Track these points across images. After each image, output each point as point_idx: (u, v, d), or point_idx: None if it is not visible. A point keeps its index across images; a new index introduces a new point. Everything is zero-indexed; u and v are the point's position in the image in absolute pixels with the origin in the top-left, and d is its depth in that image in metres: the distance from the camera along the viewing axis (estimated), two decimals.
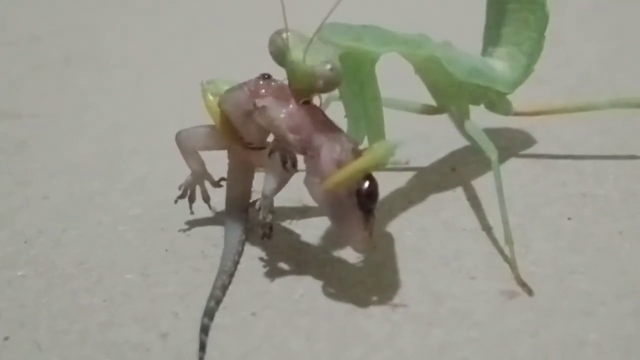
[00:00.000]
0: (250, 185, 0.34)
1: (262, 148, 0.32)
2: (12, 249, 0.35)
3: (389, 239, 0.33)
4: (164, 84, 0.50)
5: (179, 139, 0.34)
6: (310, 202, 0.31)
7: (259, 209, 0.31)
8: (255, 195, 0.34)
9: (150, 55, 0.55)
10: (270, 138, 0.31)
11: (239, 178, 0.34)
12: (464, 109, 0.36)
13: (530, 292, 0.30)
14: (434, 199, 0.36)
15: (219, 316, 0.30)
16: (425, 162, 0.39)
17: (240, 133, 0.32)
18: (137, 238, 0.35)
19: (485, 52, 0.38)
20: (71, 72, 0.53)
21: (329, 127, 0.30)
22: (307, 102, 0.30)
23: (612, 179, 0.36)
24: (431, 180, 0.37)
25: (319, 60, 0.29)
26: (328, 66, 0.29)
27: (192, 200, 0.35)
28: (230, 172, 0.34)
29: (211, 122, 0.33)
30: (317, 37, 0.29)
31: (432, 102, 0.37)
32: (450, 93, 0.36)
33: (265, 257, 0.33)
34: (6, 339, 0.30)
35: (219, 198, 0.35)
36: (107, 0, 0.66)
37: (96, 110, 0.48)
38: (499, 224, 0.32)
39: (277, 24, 0.30)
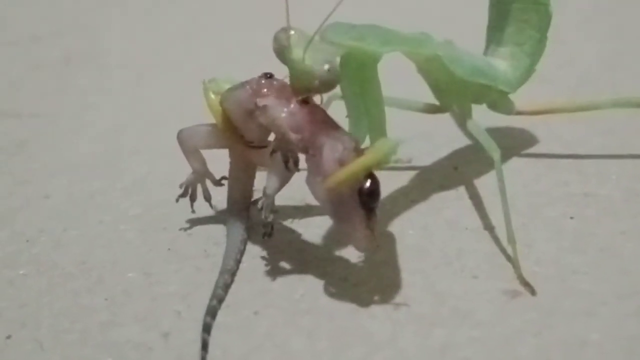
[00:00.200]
0: (251, 184, 0.34)
1: (263, 147, 0.32)
2: (13, 248, 0.35)
3: (391, 238, 0.33)
4: (164, 84, 0.50)
5: (181, 137, 0.33)
6: (312, 201, 0.31)
7: (261, 207, 0.31)
8: (257, 194, 0.34)
9: (150, 55, 0.55)
10: (272, 137, 0.31)
11: (241, 177, 0.34)
12: (466, 108, 0.36)
13: (532, 292, 0.30)
14: (436, 198, 0.36)
15: (221, 315, 0.30)
16: (427, 161, 0.39)
17: (241, 132, 0.32)
18: (138, 237, 0.35)
19: (487, 51, 0.37)
20: (71, 72, 0.53)
21: (330, 126, 0.30)
22: (309, 101, 0.30)
23: (615, 178, 0.36)
24: (433, 179, 0.37)
25: (318, 60, 0.29)
26: (326, 67, 0.29)
27: (193, 199, 0.35)
28: (231, 170, 0.34)
29: (213, 120, 0.33)
30: (319, 37, 0.29)
31: (434, 101, 0.37)
32: (453, 92, 0.36)
33: (267, 256, 0.33)
34: (8, 337, 0.30)
35: (220, 197, 0.35)
36: (107, 0, 0.66)
37: (96, 110, 0.48)
38: (502, 223, 0.32)
39: (278, 24, 0.30)
